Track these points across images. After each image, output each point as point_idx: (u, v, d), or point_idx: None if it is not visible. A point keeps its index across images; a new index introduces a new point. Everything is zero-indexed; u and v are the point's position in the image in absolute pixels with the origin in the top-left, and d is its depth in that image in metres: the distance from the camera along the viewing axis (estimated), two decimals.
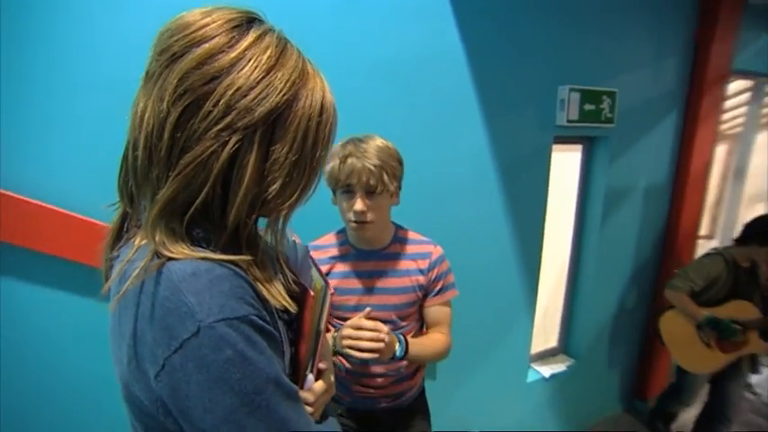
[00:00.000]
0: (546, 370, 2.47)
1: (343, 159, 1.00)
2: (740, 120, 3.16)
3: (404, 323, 1.16)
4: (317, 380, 0.60)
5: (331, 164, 1.02)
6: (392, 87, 1.48)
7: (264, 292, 0.48)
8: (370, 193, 1.02)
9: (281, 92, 0.46)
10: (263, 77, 0.45)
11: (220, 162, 0.44)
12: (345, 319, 1.05)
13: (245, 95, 0.44)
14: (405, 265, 1.14)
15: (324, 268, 1.12)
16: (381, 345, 0.96)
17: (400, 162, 1.07)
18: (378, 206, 1.04)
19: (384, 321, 1.03)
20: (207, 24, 0.45)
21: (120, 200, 0.52)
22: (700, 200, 2.69)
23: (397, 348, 1.04)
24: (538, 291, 2.24)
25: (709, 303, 2.13)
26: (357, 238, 1.13)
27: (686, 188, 2.54)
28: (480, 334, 2.03)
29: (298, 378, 0.57)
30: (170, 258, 0.43)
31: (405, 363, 1.14)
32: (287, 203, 0.51)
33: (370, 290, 1.12)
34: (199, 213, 0.46)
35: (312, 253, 1.09)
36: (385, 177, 1.00)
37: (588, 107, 1.87)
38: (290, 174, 0.49)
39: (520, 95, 1.78)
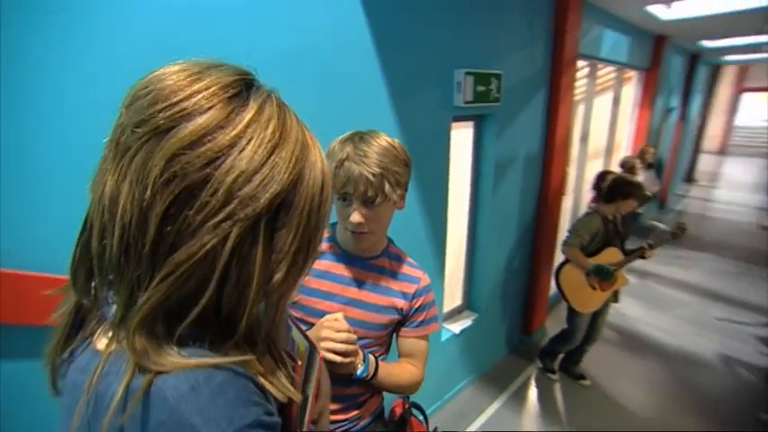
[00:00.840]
0: (456, 327, 2.76)
1: (340, 163, 0.87)
2: (582, 95, 3.81)
3: (373, 346, 1.02)
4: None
5: (332, 162, 0.90)
6: (301, 74, 1.44)
7: (268, 386, 0.42)
8: (368, 202, 0.89)
9: (286, 172, 0.40)
10: (268, 159, 0.39)
11: (223, 259, 0.37)
12: (307, 323, 0.95)
13: (249, 181, 0.38)
14: (389, 283, 1.01)
15: None
16: (355, 347, 0.87)
17: (407, 164, 0.93)
18: (377, 216, 0.92)
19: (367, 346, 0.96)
20: (199, 92, 0.37)
21: (72, 287, 0.42)
22: (563, 163, 3.20)
23: (360, 367, 0.90)
24: (446, 256, 2.45)
25: (590, 254, 2.61)
26: (349, 243, 1.00)
27: (553, 155, 3.00)
28: None
29: None
30: (158, 372, 0.36)
31: (356, 389, 1.00)
32: (289, 288, 0.45)
33: (345, 299, 0.99)
34: (203, 319, 0.39)
35: None
36: (386, 187, 0.87)
37: (480, 88, 2.06)
38: (295, 259, 0.43)
39: (422, 79, 1.87)
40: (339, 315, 0.89)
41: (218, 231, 0.37)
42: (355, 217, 0.89)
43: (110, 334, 0.39)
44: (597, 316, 2.84)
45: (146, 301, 0.37)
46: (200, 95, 0.37)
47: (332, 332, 0.85)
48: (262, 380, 0.42)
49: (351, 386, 0.99)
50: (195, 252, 0.36)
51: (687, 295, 4.67)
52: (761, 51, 6.23)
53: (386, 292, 1.00)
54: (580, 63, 3.48)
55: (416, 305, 1.02)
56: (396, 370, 1.01)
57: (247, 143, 0.38)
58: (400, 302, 1.00)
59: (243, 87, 0.40)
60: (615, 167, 4.77)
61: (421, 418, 2.31)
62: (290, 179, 0.40)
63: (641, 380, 3.20)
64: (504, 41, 2.34)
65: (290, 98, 1.24)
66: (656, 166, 5.14)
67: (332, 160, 0.88)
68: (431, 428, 2.30)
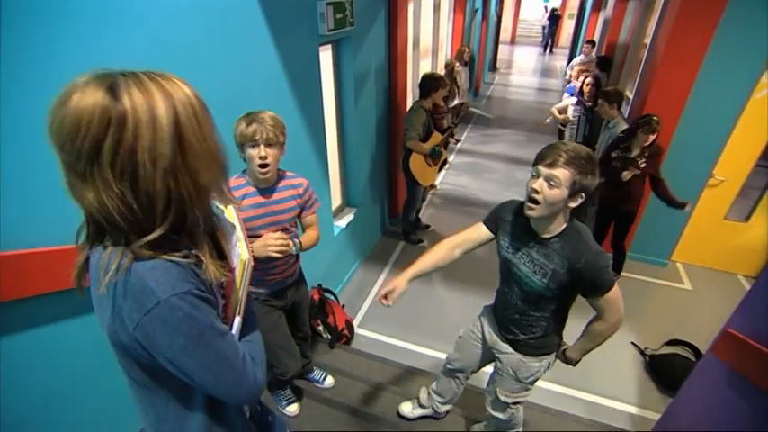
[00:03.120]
0: (342, 222, 3.35)
1: (249, 123, 1.41)
2: (411, 4, 4.29)
3: (293, 229, 1.70)
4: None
5: (239, 128, 1.42)
6: (195, 28, 1.56)
7: (203, 274, 0.67)
8: (269, 145, 1.43)
9: (167, 124, 0.58)
10: (155, 126, 0.57)
11: (181, 191, 0.61)
12: (258, 235, 1.48)
13: (156, 147, 0.57)
14: (288, 193, 1.62)
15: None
16: (288, 247, 1.48)
17: (284, 126, 1.49)
18: (273, 154, 1.46)
19: (282, 230, 1.55)
20: (92, 117, 0.53)
21: (85, 237, 0.66)
22: (405, 68, 3.78)
23: (294, 248, 1.56)
24: (328, 165, 2.89)
25: (423, 140, 3.37)
26: (258, 178, 1.51)
27: (397, 62, 3.54)
28: None
29: (228, 321, 0.78)
30: (139, 258, 0.61)
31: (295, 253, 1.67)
32: (220, 179, 0.69)
33: (270, 212, 1.58)
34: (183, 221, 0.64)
35: None
36: (278, 134, 1.44)
37: (338, 16, 2.35)
38: (210, 163, 0.65)
39: (293, 15, 2.08)
40: (275, 235, 1.46)
41: (165, 182, 0.59)
42: (263, 152, 1.42)
43: (108, 245, 0.63)
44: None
45: (156, 232, 0.61)
46: (95, 119, 0.53)
47: (271, 240, 1.43)
48: (200, 270, 0.67)
49: (290, 259, 1.71)
50: (166, 200, 0.60)
51: (497, 163, 6.19)
52: None
53: (290, 199, 1.61)
54: None
55: (306, 197, 1.66)
56: (307, 237, 1.70)
57: (138, 128, 0.56)
58: (298, 200, 1.64)
59: (109, 94, 0.55)
60: (441, 68, 5.63)
61: (332, 297, 2.99)
62: (171, 125, 0.58)
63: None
64: None
65: (189, 49, 1.56)
66: (469, 64, 6.19)
67: (242, 123, 1.41)
68: (341, 304, 3.00)
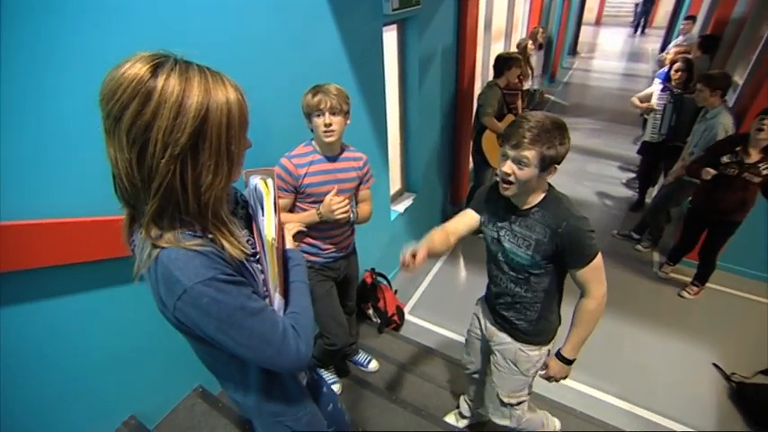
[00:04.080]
0: (400, 207, 3.31)
1: (315, 94, 1.51)
2: None
3: (351, 200, 1.75)
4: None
5: (306, 99, 1.52)
6: (255, 7, 1.58)
7: (227, 247, 0.71)
8: (333, 114, 1.52)
9: (193, 117, 0.61)
10: (178, 113, 0.60)
11: (177, 181, 0.63)
12: (321, 200, 1.60)
13: (172, 131, 0.60)
14: (350, 164, 1.71)
15: (303, 170, 1.60)
16: (349, 213, 1.63)
17: (348, 97, 1.57)
18: (338, 121, 1.55)
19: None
20: (128, 85, 0.58)
21: (123, 205, 0.71)
22: (474, 51, 3.59)
23: (352, 216, 1.68)
24: (388, 148, 2.86)
25: (498, 119, 3.23)
26: (325, 146, 1.61)
27: (466, 45, 3.37)
28: None
29: (269, 296, 0.83)
30: (162, 247, 0.66)
31: (347, 228, 1.82)
32: (219, 186, 0.69)
33: (335, 180, 1.66)
34: (177, 209, 0.67)
35: (293, 161, 1.57)
36: (342, 103, 1.53)
37: None
38: (218, 169, 0.67)
39: None
40: (334, 191, 1.60)
41: (168, 166, 0.62)
42: (328, 119, 1.52)
43: (143, 226, 0.68)
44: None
45: (148, 210, 0.65)
46: (130, 87, 0.58)
47: (336, 204, 1.57)
48: (225, 252, 0.70)
49: (345, 227, 1.79)
50: (161, 181, 0.62)
51: (570, 154, 5.73)
52: None
53: (351, 170, 1.71)
54: None
55: (364, 171, 1.76)
56: (362, 210, 1.82)
57: (163, 108, 0.59)
58: (359, 173, 1.73)
59: (150, 73, 0.59)
60: (514, 48, 5.30)
61: (385, 282, 2.98)
62: (197, 119, 0.61)
63: None
64: None
65: (248, 33, 1.62)
66: (545, 47, 5.76)
67: (309, 94, 1.52)
68: (393, 289, 2.98)
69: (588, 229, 1.25)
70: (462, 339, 2.84)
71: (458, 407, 2.11)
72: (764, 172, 2.40)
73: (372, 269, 2.93)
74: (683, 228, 3.12)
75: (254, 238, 0.84)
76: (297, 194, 1.63)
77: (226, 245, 0.71)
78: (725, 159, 2.50)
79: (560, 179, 4.93)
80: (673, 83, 3.35)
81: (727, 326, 2.88)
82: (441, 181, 3.94)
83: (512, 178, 1.23)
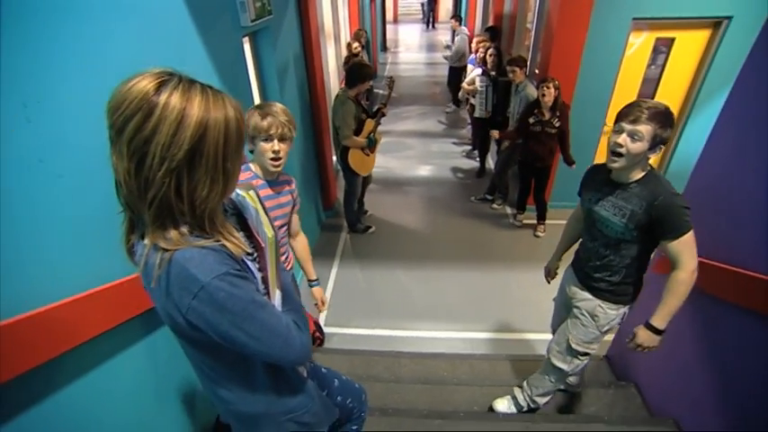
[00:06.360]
0: None
1: (263, 116, 1.38)
2: None
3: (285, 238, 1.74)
4: None
5: (253, 120, 1.38)
6: (121, 31, 1.29)
7: (230, 247, 0.73)
8: (282, 140, 1.43)
9: (191, 135, 0.63)
10: (177, 130, 0.62)
11: (172, 193, 0.65)
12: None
13: (170, 147, 0.62)
14: (285, 188, 1.64)
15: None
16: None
17: (293, 119, 1.47)
18: (285, 148, 1.46)
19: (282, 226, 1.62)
20: (133, 100, 0.60)
21: (124, 210, 0.71)
22: (320, 57, 3.64)
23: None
24: None
25: (357, 131, 3.31)
26: (268, 172, 1.52)
27: (312, 49, 3.40)
28: None
29: (268, 293, 0.87)
30: (174, 250, 0.67)
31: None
32: (214, 199, 0.71)
33: (278, 205, 1.59)
34: (180, 214, 0.68)
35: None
36: (291, 129, 1.44)
37: (257, 4, 2.16)
38: (213, 183, 0.69)
39: (214, 7, 1.87)
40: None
41: (164, 179, 0.64)
42: (276, 146, 1.42)
43: (147, 235, 0.69)
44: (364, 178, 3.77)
45: (148, 219, 0.67)
46: (133, 103, 0.60)
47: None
48: (226, 245, 0.72)
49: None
50: (156, 192, 0.64)
51: (411, 139, 6.39)
52: None
53: (285, 193, 1.64)
54: None
55: (296, 193, 1.71)
56: (300, 245, 1.91)
57: (163, 125, 0.61)
58: (291, 196, 1.67)
59: (153, 90, 0.61)
60: (344, 53, 5.55)
61: None
62: (194, 137, 0.63)
63: (403, 206, 4.59)
64: None
65: (116, 53, 1.38)
66: (366, 46, 6.21)
67: (255, 115, 1.39)
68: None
69: (683, 206, 1.34)
70: (383, 332, 2.98)
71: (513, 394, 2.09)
72: (557, 124, 3.24)
73: None
74: (519, 179, 3.87)
75: (248, 239, 0.86)
76: None
77: (227, 244, 0.73)
78: (531, 120, 3.32)
79: (410, 162, 5.51)
80: (489, 66, 4.07)
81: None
82: (311, 189, 3.91)
83: (623, 150, 1.35)
